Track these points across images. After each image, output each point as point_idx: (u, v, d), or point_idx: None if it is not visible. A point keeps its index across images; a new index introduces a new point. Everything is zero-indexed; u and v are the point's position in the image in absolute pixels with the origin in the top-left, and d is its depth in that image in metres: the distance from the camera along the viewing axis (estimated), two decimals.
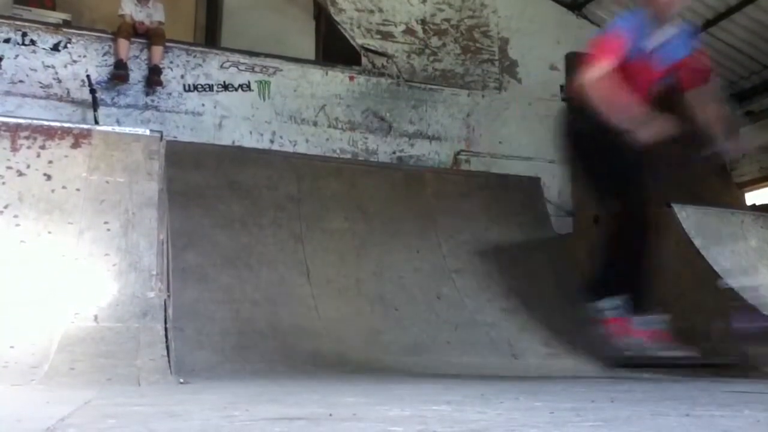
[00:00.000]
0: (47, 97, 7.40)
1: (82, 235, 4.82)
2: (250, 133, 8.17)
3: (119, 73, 7.53)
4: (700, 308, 6.21)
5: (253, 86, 8.30)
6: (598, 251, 4.23)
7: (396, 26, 9.10)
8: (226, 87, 8.16)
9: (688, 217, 6.57)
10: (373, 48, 8.94)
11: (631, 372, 5.13)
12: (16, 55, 7.38)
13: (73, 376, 3.80)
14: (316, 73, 8.64)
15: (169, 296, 4.94)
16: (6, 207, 4.82)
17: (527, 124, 9.43)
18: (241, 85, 8.23)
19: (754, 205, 9.41)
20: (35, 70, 7.42)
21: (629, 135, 3.71)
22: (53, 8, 8.90)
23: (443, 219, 7.81)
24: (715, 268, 6.12)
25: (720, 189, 9.51)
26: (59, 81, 7.46)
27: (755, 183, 10.03)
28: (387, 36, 9.05)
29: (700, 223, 6.58)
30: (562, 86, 9.66)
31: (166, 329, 4.42)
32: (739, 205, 9.30)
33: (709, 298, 6.14)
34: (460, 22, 9.40)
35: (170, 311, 4.76)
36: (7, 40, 7.36)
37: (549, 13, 9.86)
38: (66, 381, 3.70)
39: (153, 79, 7.71)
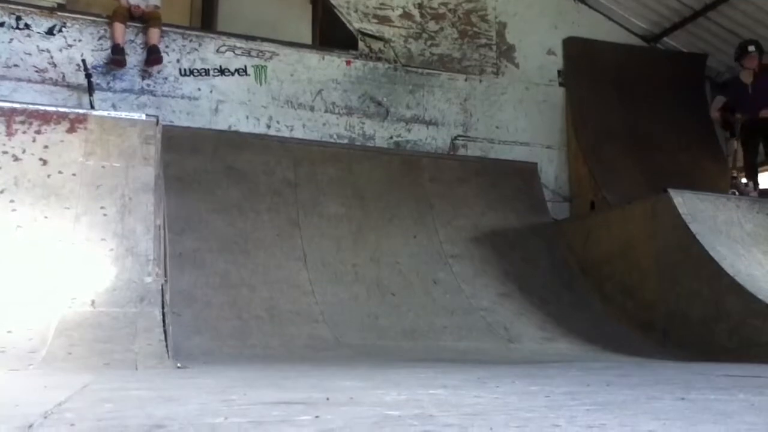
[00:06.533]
0: (42, 81, 7.35)
1: (79, 220, 4.81)
2: (247, 117, 8.13)
3: (117, 58, 7.46)
4: (696, 293, 6.24)
5: (250, 71, 8.25)
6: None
7: (393, 10, 9.04)
8: (222, 71, 8.11)
9: (684, 202, 6.58)
10: (369, 32, 8.88)
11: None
12: (11, 39, 7.32)
13: (70, 361, 3.80)
14: (312, 58, 8.60)
15: (166, 281, 4.94)
16: (2, 192, 4.80)
17: (524, 109, 9.41)
18: (237, 70, 8.19)
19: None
20: (30, 54, 7.37)
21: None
22: None
23: (440, 204, 7.82)
24: (711, 253, 6.13)
25: (716, 174, 9.51)
26: (54, 65, 7.41)
27: None
28: (384, 20, 9.00)
29: (696, 209, 6.59)
30: (559, 71, 9.64)
31: (163, 314, 4.42)
32: None
33: (704, 284, 6.16)
34: (457, 6, 9.35)
35: (167, 296, 4.76)
36: (0, 24, 7.30)
37: None
38: (63, 366, 3.71)
39: (152, 58, 7.60)
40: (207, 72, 8.04)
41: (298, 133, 8.23)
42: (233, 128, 7.96)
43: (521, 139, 9.30)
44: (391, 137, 8.72)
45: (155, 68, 7.72)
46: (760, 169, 8.79)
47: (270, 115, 8.25)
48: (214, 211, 6.73)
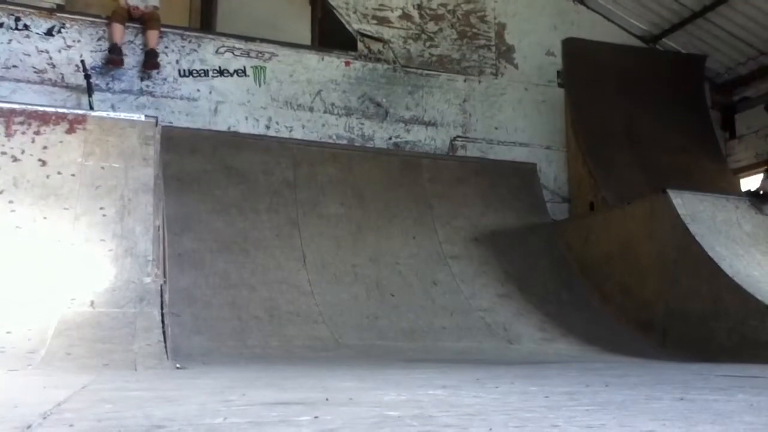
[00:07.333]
0: (41, 82, 7.36)
1: (78, 221, 4.81)
2: (246, 118, 8.13)
3: (114, 58, 7.46)
4: (695, 293, 6.24)
5: (249, 71, 8.25)
6: None
7: (392, 11, 9.05)
8: (221, 72, 8.12)
9: (683, 202, 6.59)
10: (369, 33, 8.88)
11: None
12: (10, 40, 7.32)
13: (69, 361, 3.80)
14: (312, 59, 8.60)
15: (165, 282, 4.94)
16: (1, 193, 4.80)
17: (524, 110, 9.42)
18: (236, 71, 8.19)
19: (749, 191, 9.43)
20: (29, 55, 7.37)
21: None
22: None
23: (439, 205, 7.82)
24: (710, 254, 6.14)
25: (715, 175, 9.52)
26: (53, 66, 7.41)
27: (750, 169, 10.04)
28: (383, 21, 9.00)
29: (695, 209, 6.60)
30: (558, 72, 9.64)
31: (162, 314, 4.42)
32: (734, 190, 9.32)
33: (703, 284, 6.16)
34: (456, 7, 9.35)
35: (166, 297, 4.76)
36: (0, 25, 7.31)
37: None
38: (63, 366, 3.71)
39: (150, 62, 7.63)
40: (206, 73, 8.04)
41: (298, 134, 8.23)
42: (232, 129, 7.96)
43: (520, 140, 9.30)
44: (391, 138, 8.73)
45: (153, 71, 7.74)
46: (751, 171, 8.74)
47: (269, 115, 8.25)
48: (214, 212, 6.73)
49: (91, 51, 7.58)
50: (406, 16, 9.10)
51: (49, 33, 7.48)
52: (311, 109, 8.44)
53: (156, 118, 5.79)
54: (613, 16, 10.04)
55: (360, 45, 8.84)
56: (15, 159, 4.98)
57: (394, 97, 8.84)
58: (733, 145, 10.28)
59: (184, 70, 7.95)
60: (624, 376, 3.51)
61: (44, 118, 5.23)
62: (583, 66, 9.66)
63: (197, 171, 7.02)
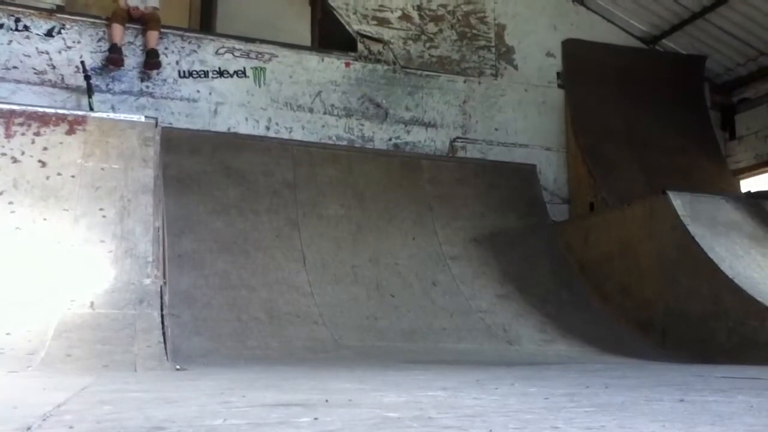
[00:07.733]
0: (41, 83, 7.35)
1: (78, 222, 4.81)
2: (246, 119, 8.13)
3: (114, 57, 7.45)
4: (694, 294, 6.25)
5: (249, 72, 8.25)
6: None
7: (392, 12, 9.05)
8: (221, 73, 8.11)
9: (683, 203, 6.59)
10: (369, 34, 8.88)
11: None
12: (10, 41, 7.32)
13: (69, 363, 3.80)
14: (311, 60, 8.60)
15: (165, 283, 4.93)
16: (1, 194, 4.80)
17: (523, 111, 9.42)
18: (236, 72, 8.19)
19: (749, 192, 9.44)
20: (29, 56, 7.37)
21: None
22: None
23: (439, 206, 7.82)
24: (710, 255, 6.14)
25: (715, 175, 9.53)
26: (53, 67, 7.41)
27: (750, 170, 10.05)
28: (383, 22, 9.00)
29: (695, 210, 6.60)
30: (558, 73, 9.64)
31: (162, 316, 4.42)
32: (734, 191, 9.32)
33: (703, 284, 6.16)
34: (456, 8, 9.35)
35: (166, 298, 4.76)
36: (0, 26, 7.31)
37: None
38: (62, 367, 3.71)
39: (150, 62, 7.63)
40: (206, 74, 8.04)
41: (298, 135, 8.23)
42: (232, 130, 7.96)
43: (520, 141, 9.30)
44: (390, 139, 8.73)
45: (154, 71, 7.74)
46: (751, 173, 8.74)
47: (269, 116, 8.25)
48: (214, 213, 6.73)
49: (91, 52, 7.58)
50: (405, 17, 9.11)
51: (49, 34, 7.48)
52: (311, 110, 8.44)
53: (156, 119, 5.79)
54: (613, 17, 10.04)
55: (360, 46, 8.83)
56: (15, 160, 4.98)
57: (394, 98, 8.84)
58: (733, 145, 10.28)
59: (183, 71, 7.95)
60: (624, 378, 3.51)
61: (44, 119, 5.23)
62: (583, 67, 9.67)
63: (197, 172, 7.02)
